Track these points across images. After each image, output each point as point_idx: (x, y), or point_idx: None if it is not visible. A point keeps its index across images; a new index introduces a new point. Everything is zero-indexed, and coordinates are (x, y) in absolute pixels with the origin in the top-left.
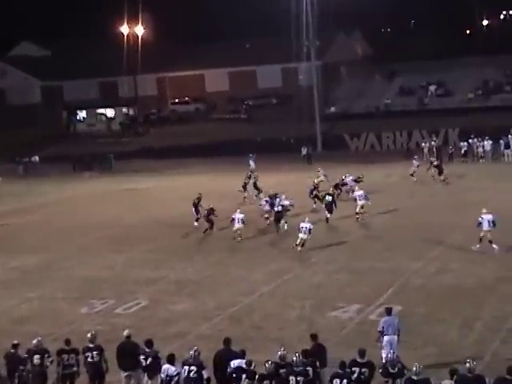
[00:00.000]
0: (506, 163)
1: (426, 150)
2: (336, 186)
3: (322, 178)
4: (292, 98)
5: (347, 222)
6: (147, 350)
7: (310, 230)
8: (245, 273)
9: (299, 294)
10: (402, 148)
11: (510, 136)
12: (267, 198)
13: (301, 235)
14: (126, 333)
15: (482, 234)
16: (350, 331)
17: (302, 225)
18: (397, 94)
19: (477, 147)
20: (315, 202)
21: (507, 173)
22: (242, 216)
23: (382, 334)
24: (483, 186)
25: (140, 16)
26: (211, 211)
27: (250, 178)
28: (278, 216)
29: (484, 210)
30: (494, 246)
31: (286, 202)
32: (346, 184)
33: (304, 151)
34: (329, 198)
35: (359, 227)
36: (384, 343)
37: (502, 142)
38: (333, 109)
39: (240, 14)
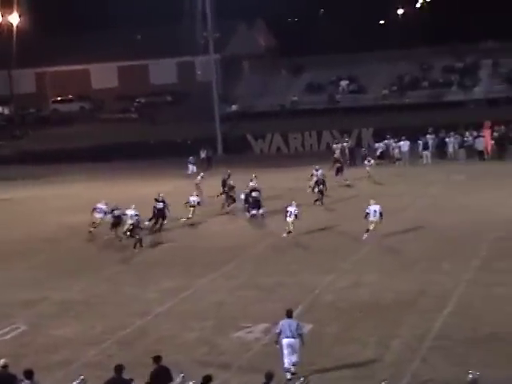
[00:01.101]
0: (423, 165)
1: (337, 152)
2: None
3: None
4: (189, 96)
5: (252, 232)
6: (26, 381)
7: (296, 214)
8: (138, 291)
9: (198, 314)
10: (311, 150)
11: (428, 136)
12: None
13: (288, 219)
14: (1, 362)
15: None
16: (256, 353)
17: (288, 209)
18: (304, 90)
19: (393, 148)
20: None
21: (425, 176)
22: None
23: (279, 335)
24: (399, 191)
25: (15, 2)
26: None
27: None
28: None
29: (372, 201)
30: (365, 234)
31: (131, 212)
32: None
33: (203, 154)
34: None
35: (264, 238)
36: (284, 347)
37: (420, 142)
38: (234, 107)
39: (131, 0)
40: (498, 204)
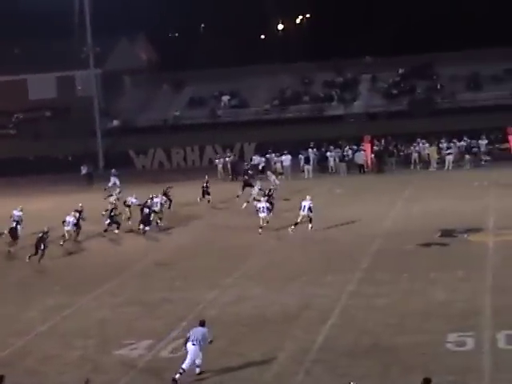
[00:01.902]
0: (305, 180)
1: (220, 167)
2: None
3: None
4: (69, 111)
5: (138, 248)
6: None
7: (267, 208)
8: (17, 310)
9: (81, 332)
10: (193, 165)
11: (309, 150)
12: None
13: (261, 215)
14: None
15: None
16: (140, 370)
17: (258, 205)
18: (187, 105)
19: (275, 163)
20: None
21: (307, 190)
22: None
23: (187, 341)
24: (281, 204)
25: None
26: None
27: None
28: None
29: (308, 197)
30: (291, 228)
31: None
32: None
33: (84, 170)
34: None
35: (149, 254)
36: (188, 351)
37: (301, 156)
38: (115, 122)
39: (8, 11)
40: (378, 216)
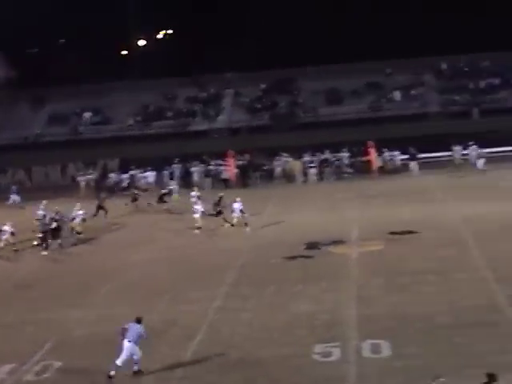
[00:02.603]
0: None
1: (83, 185)
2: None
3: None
4: None
5: None
6: None
7: (241, 209)
8: None
9: None
10: (55, 183)
11: (174, 166)
12: None
13: (235, 215)
14: None
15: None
16: None
17: (234, 205)
18: (47, 122)
19: (139, 179)
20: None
21: (171, 207)
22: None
23: (123, 335)
24: (146, 220)
25: None
26: None
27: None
28: None
29: (238, 199)
30: (225, 224)
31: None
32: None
33: None
34: None
35: (11, 275)
36: (124, 347)
37: (166, 172)
38: None
39: None
40: (243, 230)
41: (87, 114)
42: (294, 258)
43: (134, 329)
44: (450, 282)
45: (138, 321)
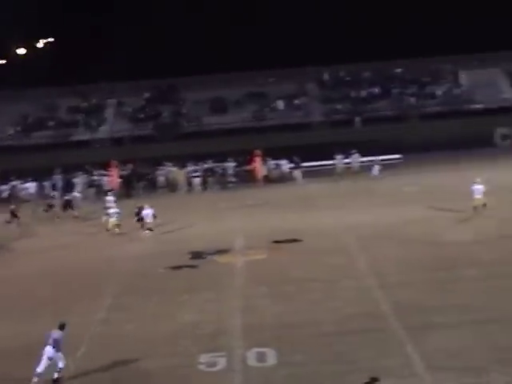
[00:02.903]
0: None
1: None
2: None
3: None
4: None
5: None
6: None
7: (153, 214)
8: None
9: None
10: None
11: (55, 177)
12: None
13: (148, 221)
14: None
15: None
16: None
17: (145, 212)
18: None
19: (19, 190)
20: None
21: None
22: None
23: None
24: (40, 231)
25: None
26: None
27: None
28: None
29: (146, 206)
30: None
31: None
32: None
33: None
34: None
35: None
36: (45, 353)
37: (47, 183)
38: None
39: None
40: (124, 240)
41: None
42: (178, 267)
43: (55, 335)
44: (334, 289)
45: (61, 327)
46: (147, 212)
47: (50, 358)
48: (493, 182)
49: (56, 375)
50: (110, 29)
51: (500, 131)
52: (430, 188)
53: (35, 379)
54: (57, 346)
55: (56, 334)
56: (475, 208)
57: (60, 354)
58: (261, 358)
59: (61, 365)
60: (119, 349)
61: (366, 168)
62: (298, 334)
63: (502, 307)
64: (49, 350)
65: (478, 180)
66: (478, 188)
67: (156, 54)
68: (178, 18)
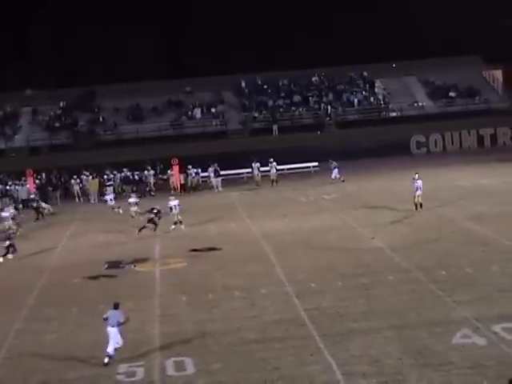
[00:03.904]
0: None
1: None
2: None
3: None
4: None
5: None
6: None
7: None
8: None
9: None
10: None
11: None
12: None
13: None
14: None
15: None
16: None
17: (170, 203)
18: None
19: None
20: None
21: None
22: None
23: (106, 322)
24: None
25: None
26: None
27: None
28: None
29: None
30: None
31: None
32: None
33: None
34: None
35: None
36: (109, 333)
37: None
38: None
39: None
40: (44, 250)
41: None
42: (96, 277)
43: (113, 315)
44: (254, 297)
45: (115, 306)
46: (173, 203)
47: (114, 337)
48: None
49: (106, 360)
50: (24, 37)
51: (415, 139)
52: (348, 196)
53: (106, 359)
54: (115, 324)
55: (115, 313)
56: (416, 205)
57: (119, 333)
58: (179, 366)
59: (118, 344)
60: (37, 360)
61: (284, 176)
62: (217, 342)
63: (421, 312)
64: (112, 330)
65: (417, 175)
66: (418, 183)
67: (73, 61)
68: (97, 25)
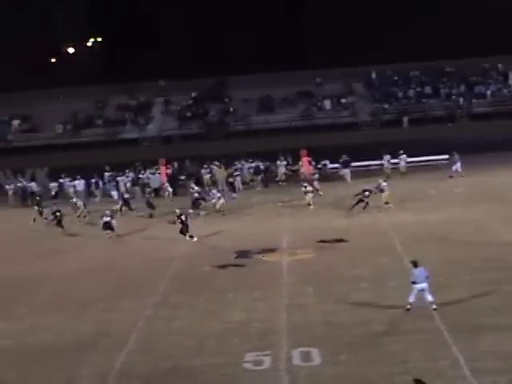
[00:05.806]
0: (97, 204)
1: (11, 193)
2: None
3: None
4: None
5: None
6: None
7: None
8: None
9: None
10: None
11: (107, 174)
12: None
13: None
14: None
15: None
16: None
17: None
18: None
19: (68, 188)
20: None
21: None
22: None
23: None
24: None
25: None
26: None
27: None
28: None
29: (108, 212)
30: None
31: None
32: None
33: None
34: None
35: None
36: (416, 288)
37: (93, 180)
38: None
39: None
40: (173, 240)
41: (16, 122)
42: (224, 266)
43: (419, 273)
44: (382, 289)
45: (415, 264)
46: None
47: (420, 290)
48: None
49: (434, 306)
50: (160, 27)
51: None
52: (478, 189)
53: (408, 306)
54: (424, 280)
55: (418, 271)
56: None
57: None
58: (306, 357)
59: (430, 298)
60: (166, 346)
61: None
62: (346, 333)
63: None
64: (419, 286)
65: None
66: None
67: (205, 52)
68: (231, 18)
